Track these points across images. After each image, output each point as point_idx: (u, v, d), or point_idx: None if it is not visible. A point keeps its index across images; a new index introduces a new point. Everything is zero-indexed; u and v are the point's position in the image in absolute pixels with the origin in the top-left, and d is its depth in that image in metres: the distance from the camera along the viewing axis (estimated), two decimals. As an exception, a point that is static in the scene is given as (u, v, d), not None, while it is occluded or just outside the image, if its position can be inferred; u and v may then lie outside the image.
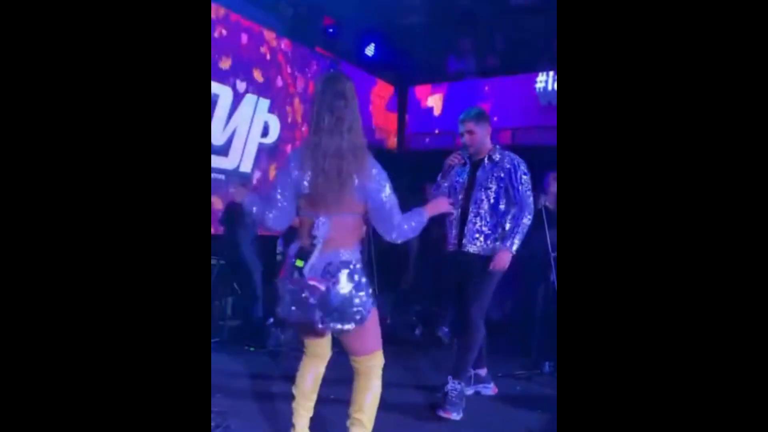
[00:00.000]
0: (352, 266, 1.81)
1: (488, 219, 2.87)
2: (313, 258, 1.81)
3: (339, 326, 1.81)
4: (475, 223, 2.88)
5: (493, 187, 2.87)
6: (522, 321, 4.32)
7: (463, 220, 2.91)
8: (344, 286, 1.78)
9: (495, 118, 6.62)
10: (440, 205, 2.10)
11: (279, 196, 1.90)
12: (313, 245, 1.82)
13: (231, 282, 4.65)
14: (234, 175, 5.18)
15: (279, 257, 5.12)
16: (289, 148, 6.01)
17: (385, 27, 6.68)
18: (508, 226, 2.86)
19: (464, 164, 3.01)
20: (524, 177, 2.89)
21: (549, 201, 3.99)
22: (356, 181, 1.80)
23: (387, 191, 1.85)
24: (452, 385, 2.78)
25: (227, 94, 5.06)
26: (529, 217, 2.83)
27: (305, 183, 1.85)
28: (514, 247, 2.79)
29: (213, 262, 4.49)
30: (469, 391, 3.02)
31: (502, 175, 2.87)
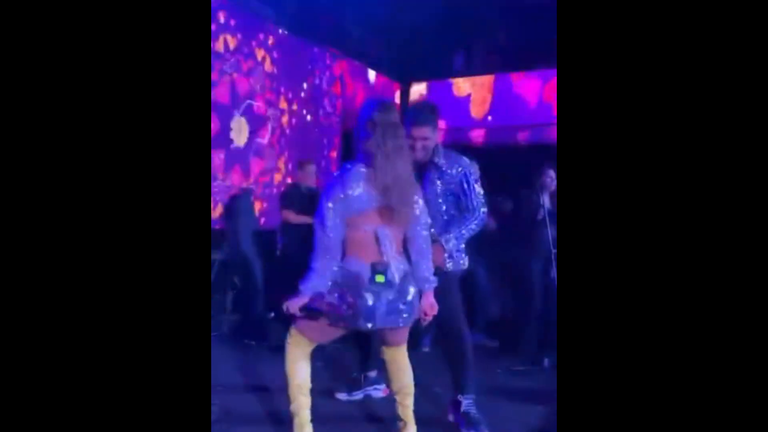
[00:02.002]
0: (409, 272, 2.08)
1: (443, 234, 2.44)
2: (393, 268, 2.00)
3: (409, 321, 2.10)
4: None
5: (441, 200, 2.49)
6: (522, 316, 4.32)
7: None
8: (413, 288, 2.07)
9: (489, 117, 6.63)
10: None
11: (332, 216, 2.02)
12: (385, 258, 2.00)
13: (231, 276, 4.67)
14: None
15: (279, 253, 5.12)
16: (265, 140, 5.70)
17: (388, 23, 6.67)
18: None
19: None
20: (476, 185, 2.50)
21: (548, 197, 4.01)
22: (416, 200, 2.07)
23: (425, 220, 2.13)
24: (467, 402, 2.52)
25: None
26: (476, 223, 2.47)
27: (369, 200, 2.02)
28: (450, 244, 2.42)
29: (213, 256, 4.50)
30: (359, 395, 2.88)
31: (452, 187, 2.48)
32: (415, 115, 2.49)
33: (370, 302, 1.97)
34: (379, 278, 1.98)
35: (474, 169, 2.52)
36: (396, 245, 2.06)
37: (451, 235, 2.43)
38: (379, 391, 2.94)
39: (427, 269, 2.12)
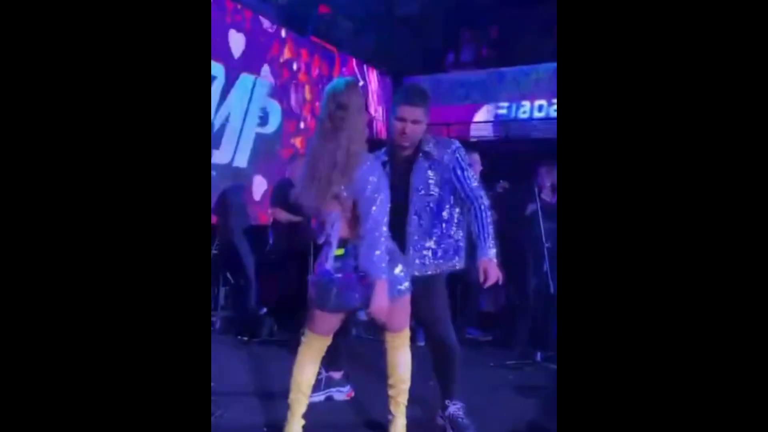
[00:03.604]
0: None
1: (433, 231, 2.31)
2: (349, 246, 1.97)
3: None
4: (419, 240, 2.30)
5: (436, 191, 2.30)
6: (514, 311, 4.35)
7: (399, 235, 2.24)
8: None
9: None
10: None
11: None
12: (329, 241, 1.99)
13: (224, 272, 4.64)
14: (227, 170, 4.86)
15: (269, 248, 5.11)
16: (298, 141, 5.73)
17: (380, 17, 6.65)
18: (473, 229, 2.31)
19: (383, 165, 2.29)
20: (470, 169, 2.35)
21: (545, 193, 4.03)
22: (345, 188, 1.94)
23: (375, 201, 1.95)
24: (454, 407, 2.40)
25: (219, 72, 4.61)
26: (490, 212, 2.31)
27: (309, 184, 1.99)
28: (494, 252, 2.26)
29: (205, 251, 4.46)
30: (321, 397, 2.67)
31: (447, 175, 2.30)
32: (407, 94, 2.30)
33: (329, 278, 1.98)
34: (338, 252, 1.96)
35: (463, 153, 2.36)
36: (346, 228, 2.00)
37: (490, 242, 2.26)
38: (342, 394, 2.77)
39: (367, 260, 1.94)
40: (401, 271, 2.05)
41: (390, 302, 1.99)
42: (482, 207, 2.29)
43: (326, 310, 2.05)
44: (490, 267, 2.21)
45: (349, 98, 1.96)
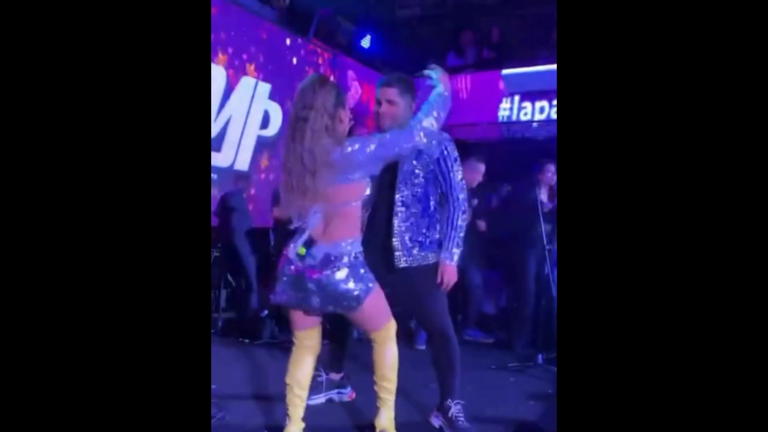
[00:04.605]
0: (349, 257, 1.95)
1: (421, 221, 2.30)
2: (313, 248, 1.93)
3: (332, 310, 2.00)
4: (406, 230, 2.29)
5: (422, 182, 2.30)
6: (516, 313, 4.34)
7: (385, 226, 2.30)
8: (341, 275, 1.93)
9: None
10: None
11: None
12: (303, 228, 1.96)
13: (225, 273, 4.64)
14: (228, 173, 4.86)
15: (271, 250, 5.11)
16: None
17: (382, 19, 6.65)
18: (439, 229, 2.35)
19: None
20: (456, 164, 2.33)
21: (543, 193, 4.00)
22: (324, 175, 1.88)
23: (374, 141, 1.93)
24: (455, 407, 2.37)
25: (220, 76, 4.61)
26: (463, 217, 2.33)
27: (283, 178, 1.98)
28: (456, 258, 2.30)
29: (206, 253, 4.46)
30: (321, 399, 2.68)
31: (431, 167, 2.32)
32: (384, 78, 2.37)
33: (283, 277, 1.97)
34: (301, 250, 1.92)
35: (452, 147, 2.35)
36: (335, 224, 1.94)
37: (453, 248, 2.31)
38: (343, 395, 2.75)
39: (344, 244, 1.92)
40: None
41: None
42: (456, 205, 2.32)
43: (287, 306, 2.06)
44: (447, 271, 2.30)
45: (314, 97, 1.88)
